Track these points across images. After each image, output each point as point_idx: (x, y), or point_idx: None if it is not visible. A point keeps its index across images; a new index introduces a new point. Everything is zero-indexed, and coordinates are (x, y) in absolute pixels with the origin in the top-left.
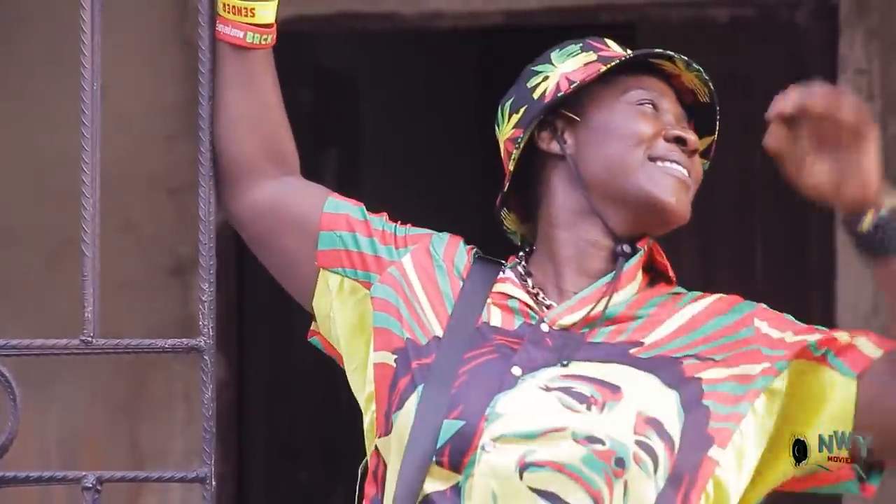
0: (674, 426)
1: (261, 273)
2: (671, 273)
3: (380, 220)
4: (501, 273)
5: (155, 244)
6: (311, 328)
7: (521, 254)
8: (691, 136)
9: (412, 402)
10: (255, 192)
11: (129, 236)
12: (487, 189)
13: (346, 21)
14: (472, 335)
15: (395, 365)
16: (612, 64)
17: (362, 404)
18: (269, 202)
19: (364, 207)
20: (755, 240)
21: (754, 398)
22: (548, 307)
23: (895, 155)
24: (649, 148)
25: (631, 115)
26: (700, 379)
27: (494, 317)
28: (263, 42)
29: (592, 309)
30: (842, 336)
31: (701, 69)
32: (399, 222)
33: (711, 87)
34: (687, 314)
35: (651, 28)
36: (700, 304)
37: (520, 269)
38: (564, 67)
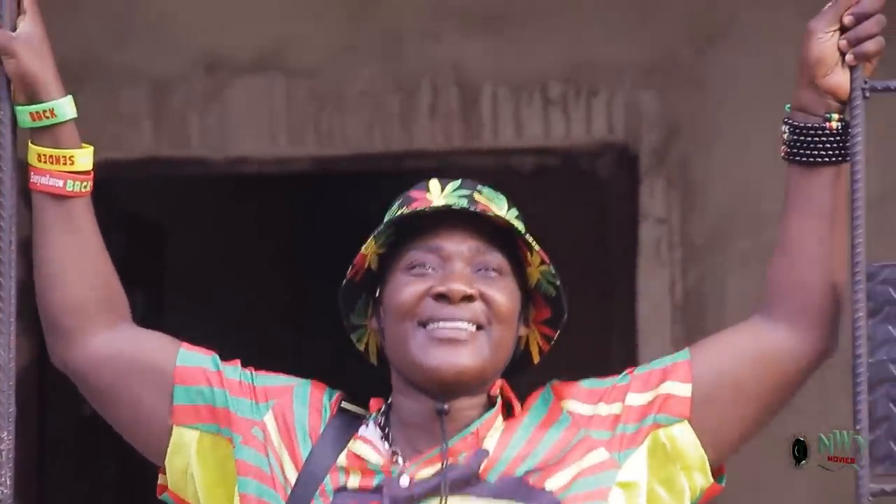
0: None
1: (62, 419)
2: (517, 408)
3: (234, 370)
4: (364, 428)
5: None
6: (160, 482)
7: (383, 407)
8: (454, 287)
9: None
10: (92, 342)
11: None
12: (295, 327)
13: (154, 166)
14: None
15: None
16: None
17: None
18: (111, 354)
19: (217, 357)
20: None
21: (606, 494)
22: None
23: (696, 303)
24: (418, 314)
25: (398, 286)
26: (550, 491)
27: (352, 480)
28: (83, 189)
29: (445, 465)
30: (649, 390)
31: (465, 201)
32: (252, 368)
33: (485, 208)
34: (516, 434)
35: (456, 175)
36: (521, 421)
37: (380, 429)
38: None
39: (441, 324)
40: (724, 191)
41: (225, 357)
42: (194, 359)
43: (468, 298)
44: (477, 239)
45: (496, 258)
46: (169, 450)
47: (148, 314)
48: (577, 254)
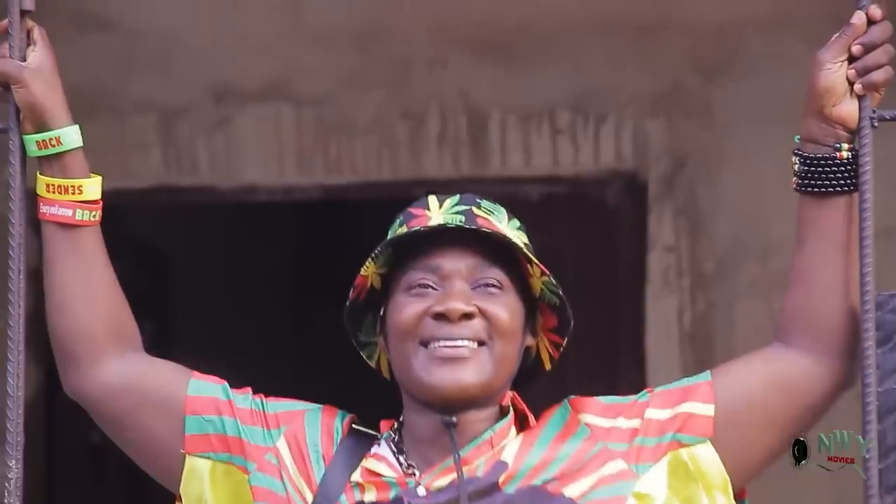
0: None
1: (70, 447)
2: (531, 420)
3: (245, 398)
4: (376, 447)
5: None
6: None
7: (395, 426)
8: (452, 306)
9: None
10: (103, 370)
11: None
12: (302, 356)
13: (163, 194)
14: None
15: None
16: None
17: None
18: (123, 383)
19: (227, 385)
20: None
21: (624, 503)
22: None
23: (705, 330)
24: (419, 334)
25: (398, 307)
26: (570, 498)
27: (369, 495)
28: (93, 218)
29: (460, 472)
30: (671, 406)
31: (461, 217)
32: (263, 395)
33: (483, 222)
34: (534, 446)
35: None
36: (539, 434)
37: (393, 445)
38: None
39: (442, 342)
40: (732, 218)
41: (233, 385)
42: (205, 388)
43: (467, 316)
44: (475, 255)
45: (496, 273)
46: (183, 478)
47: (155, 342)
48: (586, 282)
